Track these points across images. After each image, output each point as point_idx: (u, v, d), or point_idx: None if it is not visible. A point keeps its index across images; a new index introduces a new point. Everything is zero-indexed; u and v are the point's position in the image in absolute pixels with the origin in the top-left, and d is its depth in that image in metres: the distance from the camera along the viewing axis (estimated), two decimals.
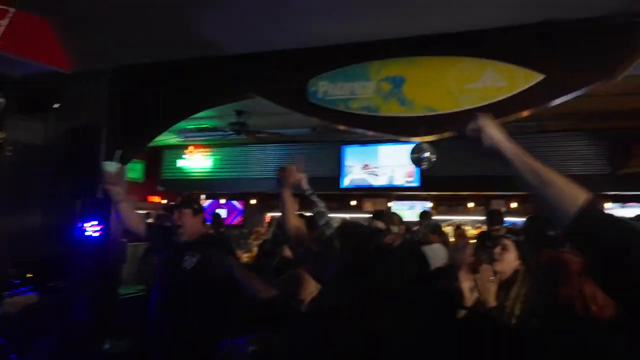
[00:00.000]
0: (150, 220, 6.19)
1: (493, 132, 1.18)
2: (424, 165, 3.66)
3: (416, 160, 3.64)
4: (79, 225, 4.14)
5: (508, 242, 2.56)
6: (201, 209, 3.35)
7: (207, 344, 2.75)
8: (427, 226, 5.99)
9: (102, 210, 4.04)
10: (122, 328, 4.28)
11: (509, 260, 2.48)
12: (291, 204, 2.46)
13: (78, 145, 4.38)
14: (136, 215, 3.45)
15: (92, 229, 4.12)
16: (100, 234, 4.11)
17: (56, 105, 4.39)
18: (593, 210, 1.02)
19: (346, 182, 8.12)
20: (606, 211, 1.05)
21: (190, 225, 3.18)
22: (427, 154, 3.58)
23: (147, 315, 3.26)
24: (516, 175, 1.12)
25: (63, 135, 4.43)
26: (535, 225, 3.58)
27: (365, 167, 8.04)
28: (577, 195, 1.03)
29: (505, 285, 2.43)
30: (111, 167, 3.44)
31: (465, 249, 3.15)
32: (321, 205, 3.05)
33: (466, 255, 3.04)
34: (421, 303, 2.83)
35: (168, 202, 9.39)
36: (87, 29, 3.83)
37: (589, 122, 6.24)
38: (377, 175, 7.98)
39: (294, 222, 2.42)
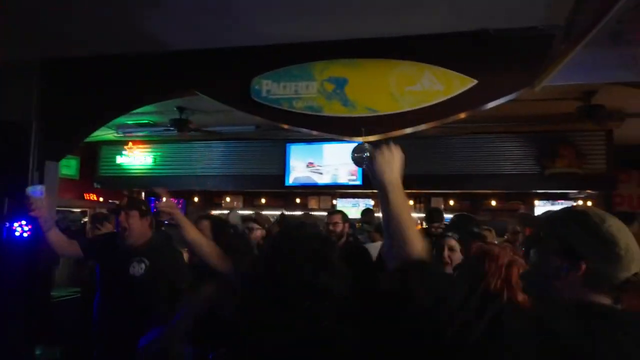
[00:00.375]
0: (83, 226, 5.95)
1: (385, 168, 1.27)
2: (365, 165, 3.76)
3: (358, 160, 3.72)
4: (7, 225, 3.92)
5: (453, 242, 2.71)
6: (149, 211, 3.13)
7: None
8: (372, 225, 6.12)
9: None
10: (54, 333, 4.11)
11: (457, 258, 2.64)
12: (196, 234, 2.38)
13: (6, 140, 4.14)
14: (66, 240, 3.16)
15: (21, 228, 3.91)
16: (30, 234, 3.91)
17: None
18: (414, 268, 1.13)
19: (291, 179, 8.15)
20: (427, 277, 1.12)
21: (137, 228, 3.00)
22: (368, 154, 3.68)
23: (81, 319, 3.13)
24: (383, 210, 1.21)
25: None
26: (462, 221, 3.86)
27: (310, 165, 8.09)
28: (414, 250, 1.14)
29: None
30: (36, 191, 2.98)
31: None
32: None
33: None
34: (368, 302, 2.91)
35: (105, 200, 9.04)
36: (16, 20, 3.61)
37: (519, 125, 6.60)
38: (321, 173, 8.05)
39: (207, 250, 2.34)
